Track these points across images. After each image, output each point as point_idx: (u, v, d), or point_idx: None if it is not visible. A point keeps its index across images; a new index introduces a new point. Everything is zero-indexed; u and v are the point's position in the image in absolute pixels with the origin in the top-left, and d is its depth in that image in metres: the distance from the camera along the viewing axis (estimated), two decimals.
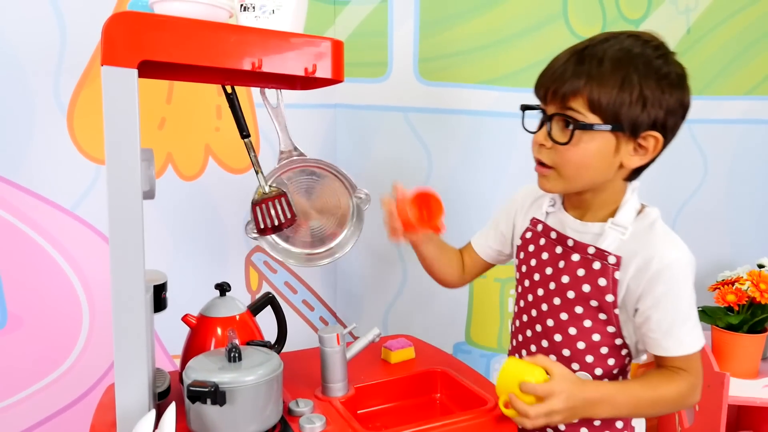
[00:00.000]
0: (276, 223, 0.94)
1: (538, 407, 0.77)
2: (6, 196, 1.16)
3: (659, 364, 0.85)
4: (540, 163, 0.85)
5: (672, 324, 0.81)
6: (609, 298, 0.83)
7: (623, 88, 0.78)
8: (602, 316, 0.85)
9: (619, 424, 0.89)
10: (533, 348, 0.91)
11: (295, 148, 0.97)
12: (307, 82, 0.94)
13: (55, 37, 1.15)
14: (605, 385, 0.83)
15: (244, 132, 0.92)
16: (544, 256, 0.91)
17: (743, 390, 1.33)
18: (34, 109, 1.16)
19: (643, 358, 0.92)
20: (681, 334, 0.82)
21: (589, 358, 0.86)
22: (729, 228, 1.62)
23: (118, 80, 0.69)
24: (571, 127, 0.79)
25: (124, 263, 0.71)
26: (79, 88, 1.19)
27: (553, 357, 0.88)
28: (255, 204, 0.93)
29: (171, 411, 0.72)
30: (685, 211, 1.59)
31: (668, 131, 0.82)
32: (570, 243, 0.88)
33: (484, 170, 1.43)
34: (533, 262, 0.92)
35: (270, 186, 0.95)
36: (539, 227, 0.93)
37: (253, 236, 0.96)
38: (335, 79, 0.84)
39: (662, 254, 0.80)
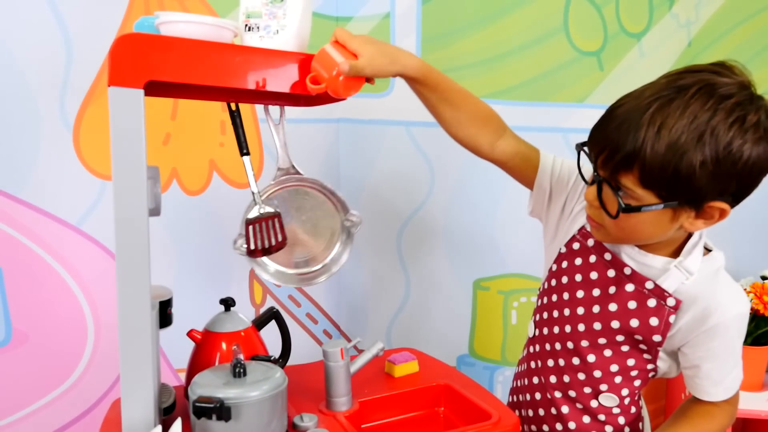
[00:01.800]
0: (267, 245, 0.92)
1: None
2: (12, 212, 1.17)
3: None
4: (589, 216, 0.81)
5: (723, 375, 0.82)
6: (656, 338, 0.81)
7: (682, 165, 0.68)
8: (642, 347, 0.84)
9: (621, 420, 0.89)
10: (561, 362, 0.90)
11: (293, 167, 0.97)
12: (310, 99, 0.95)
13: (62, 55, 1.17)
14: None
15: (243, 150, 0.92)
16: (593, 275, 0.86)
17: (748, 403, 1.33)
18: (40, 125, 1.17)
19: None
20: (728, 382, 0.82)
21: (618, 379, 0.87)
22: (731, 240, 1.62)
23: (125, 101, 0.70)
24: (620, 199, 0.72)
25: (130, 280, 0.71)
26: (84, 104, 1.21)
27: (582, 375, 0.88)
28: (249, 223, 0.92)
29: (177, 426, 0.73)
30: None
31: (741, 196, 0.74)
32: (627, 271, 0.82)
33: (487, 184, 1.44)
34: (578, 278, 0.87)
35: (264, 206, 0.94)
36: (590, 242, 0.87)
37: (241, 253, 0.95)
38: (339, 98, 0.85)
39: (724, 309, 0.78)
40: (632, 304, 0.82)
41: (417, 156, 1.44)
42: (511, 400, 1.03)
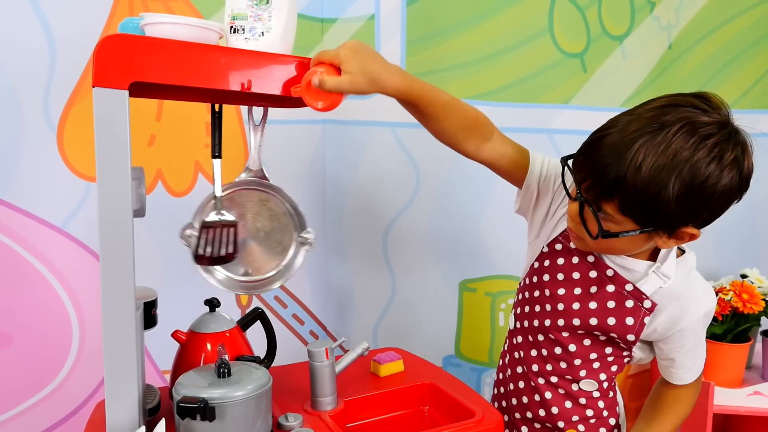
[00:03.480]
0: (216, 254, 0.87)
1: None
2: None
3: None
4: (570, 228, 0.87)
5: (693, 362, 0.91)
6: (630, 337, 0.87)
7: (658, 199, 0.73)
8: (618, 342, 0.90)
9: (612, 421, 0.96)
10: (544, 352, 0.94)
11: (261, 170, 0.95)
12: (295, 101, 0.96)
13: (45, 56, 1.16)
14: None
15: (216, 152, 0.91)
16: (575, 275, 0.90)
17: (728, 399, 1.35)
18: (24, 127, 1.17)
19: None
20: (697, 366, 0.92)
21: (596, 365, 0.92)
22: (712, 239, 1.65)
23: (109, 101, 0.70)
24: (600, 223, 0.77)
25: (114, 282, 0.72)
26: (69, 105, 1.20)
27: (563, 364, 0.92)
28: (204, 225, 0.88)
29: (161, 427, 0.73)
30: None
31: (709, 222, 0.78)
32: (610, 273, 0.87)
33: (473, 184, 1.45)
34: (560, 276, 0.91)
35: (224, 212, 0.91)
36: (573, 244, 0.90)
37: (185, 244, 0.92)
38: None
39: (697, 309, 0.86)
40: (611, 304, 0.87)
41: (403, 157, 1.45)
42: (495, 392, 1.06)
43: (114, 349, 0.72)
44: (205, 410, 0.74)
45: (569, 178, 0.82)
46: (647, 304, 0.85)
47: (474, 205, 1.47)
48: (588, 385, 0.93)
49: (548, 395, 0.95)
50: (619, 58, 1.51)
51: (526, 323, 0.97)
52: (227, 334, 0.94)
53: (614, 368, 0.93)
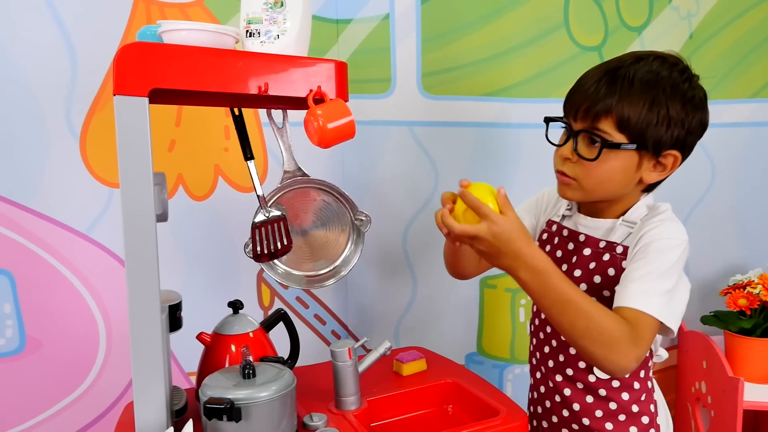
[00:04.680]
0: (272, 249, 0.93)
1: (468, 226, 0.80)
2: (22, 221, 1.19)
3: None
4: (562, 173, 0.89)
5: (635, 278, 0.81)
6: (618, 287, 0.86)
7: (651, 109, 0.83)
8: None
9: (645, 420, 0.91)
10: (554, 343, 0.95)
11: (299, 168, 0.98)
12: None
13: (67, 65, 1.19)
14: (548, 260, 0.80)
15: (248, 154, 0.93)
16: (558, 254, 0.95)
17: (758, 394, 1.32)
18: (47, 135, 1.19)
19: (663, 356, 0.96)
20: (637, 289, 0.81)
21: None
22: (739, 231, 1.62)
23: (130, 109, 0.71)
24: (598, 144, 0.84)
25: (140, 286, 0.73)
26: (90, 113, 1.22)
27: (573, 350, 0.92)
28: (255, 227, 0.93)
29: (188, 428, 0.74)
30: (694, 216, 1.59)
31: (687, 149, 0.87)
32: (581, 238, 0.93)
33: (490, 181, 1.43)
34: None
35: (270, 209, 0.94)
36: (554, 227, 0.98)
37: (251, 257, 0.96)
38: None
39: (656, 228, 0.85)
40: (592, 264, 0.90)
41: (421, 156, 1.45)
42: (529, 396, 1.05)
43: (141, 352, 0.74)
44: (232, 411, 0.75)
45: (553, 134, 0.90)
46: (619, 249, 0.88)
47: None
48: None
49: (567, 392, 0.94)
50: (638, 49, 1.48)
51: (537, 321, 0.99)
52: (251, 336, 0.95)
53: None
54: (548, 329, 0.97)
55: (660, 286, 0.81)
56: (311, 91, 0.81)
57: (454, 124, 1.43)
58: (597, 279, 0.89)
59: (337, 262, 1.03)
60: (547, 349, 0.97)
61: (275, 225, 0.93)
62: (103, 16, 1.20)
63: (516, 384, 1.51)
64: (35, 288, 1.22)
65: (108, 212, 1.25)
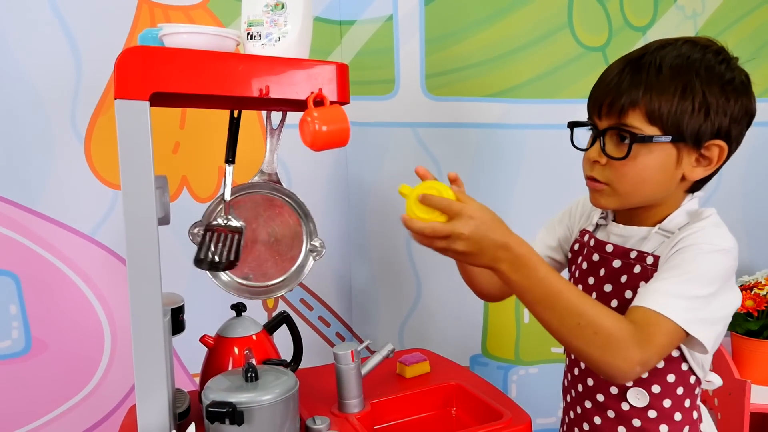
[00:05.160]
0: (217, 259, 0.85)
1: (441, 225, 0.68)
2: (27, 223, 1.20)
3: None
4: (593, 180, 0.80)
5: (659, 279, 0.72)
6: None
7: (684, 96, 0.73)
8: None
9: (664, 429, 0.80)
10: (583, 365, 0.86)
11: (276, 174, 0.96)
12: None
13: (71, 67, 1.19)
14: (533, 251, 0.71)
15: (229, 157, 0.92)
16: (584, 266, 0.87)
17: (765, 397, 1.31)
18: (52, 138, 1.20)
19: (715, 382, 0.84)
20: (658, 288, 0.70)
21: (645, 374, 0.79)
22: (746, 232, 1.60)
23: (132, 112, 0.71)
24: (627, 141, 0.74)
25: (142, 290, 0.73)
26: (95, 116, 1.23)
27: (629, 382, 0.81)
28: (210, 228, 0.88)
29: (191, 431, 0.74)
30: None
31: (733, 140, 0.77)
32: (609, 248, 0.82)
33: (495, 182, 1.44)
34: (577, 274, 0.88)
35: (231, 217, 0.90)
36: (586, 237, 0.89)
37: (193, 241, 0.92)
38: (342, 102, 0.86)
39: (695, 234, 0.73)
40: (623, 278, 0.80)
41: (424, 156, 1.45)
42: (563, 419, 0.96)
43: (143, 356, 0.74)
44: (234, 414, 0.75)
45: (579, 140, 0.83)
46: (650, 260, 0.77)
47: (497, 204, 1.43)
48: (637, 398, 0.80)
49: (597, 421, 0.84)
50: None
51: None
52: (254, 338, 0.95)
53: (671, 378, 0.78)
54: None
55: (688, 290, 0.70)
56: (312, 93, 0.81)
57: (458, 125, 1.43)
58: (628, 294, 0.78)
59: (277, 280, 0.99)
60: (576, 371, 0.87)
61: (229, 235, 0.87)
62: (108, 19, 1.21)
63: (520, 385, 1.50)
64: (41, 290, 1.22)
65: (112, 214, 1.26)
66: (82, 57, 1.19)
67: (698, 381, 0.81)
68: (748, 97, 0.77)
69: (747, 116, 0.78)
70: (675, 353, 0.78)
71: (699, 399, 0.82)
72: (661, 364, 0.78)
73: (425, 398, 1.00)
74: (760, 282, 1.40)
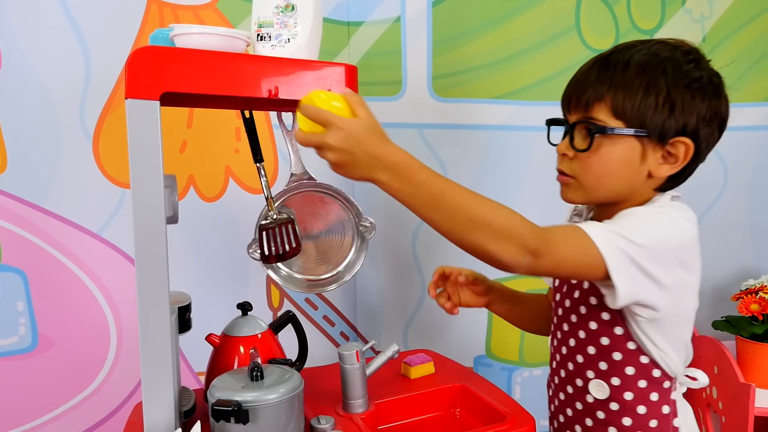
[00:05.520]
0: (281, 251, 0.92)
1: (312, 135, 0.69)
2: (35, 220, 1.20)
3: None
4: (562, 173, 0.83)
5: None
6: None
7: (648, 92, 0.75)
8: (605, 316, 0.81)
9: (627, 421, 0.81)
10: (558, 357, 0.90)
11: (306, 172, 0.98)
12: None
13: (80, 66, 1.20)
14: (409, 156, 0.71)
15: (257, 156, 0.93)
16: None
17: None
18: (61, 136, 1.20)
19: (701, 380, 0.83)
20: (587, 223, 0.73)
21: (603, 365, 0.82)
22: (752, 236, 1.60)
23: (142, 112, 0.72)
24: (593, 125, 0.77)
25: (150, 288, 0.73)
26: (104, 114, 1.23)
27: (570, 365, 0.86)
28: (262, 229, 0.93)
29: (197, 429, 0.75)
30: (706, 220, 1.57)
31: (701, 140, 0.78)
32: None
33: (501, 184, 1.44)
34: (557, 279, 0.91)
35: (278, 211, 0.94)
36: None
37: (255, 258, 0.96)
38: None
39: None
40: (585, 284, 0.83)
41: (431, 158, 1.45)
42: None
43: (150, 355, 0.74)
44: (239, 413, 0.75)
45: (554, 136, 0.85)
46: None
47: (503, 203, 1.46)
48: (598, 390, 0.83)
49: (569, 413, 0.88)
50: None
51: (554, 320, 0.92)
52: (259, 337, 0.95)
53: (629, 370, 0.80)
54: (552, 348, 0.92)
55: (618, 229, 0.72)
56: None
57: (465, 126, 1.43)
58: (585, 284, 0.83)
59: (340, 267, 1.02)
60: (554, 364, 0.91)
61: (283, 227, 0.93)
62: (117, 18, 1.21)
63: (525, 387, 1.50)
64: (48, 287, 1.23)
65: (120, 212, 1.27)
66: (92, 56, 1.20)
67: (666, 375, 0.81)
68: (718, 98, 0.78)
69: (717, 118, 0.78)
70: (631, 345, 0.80)
71: (674, 394, 0.83)
72: (618, 356, 0.81)
73: (429, 399, 1.00)
74: (766, 285, 1.40)
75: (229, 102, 0.92)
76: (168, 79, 0.73)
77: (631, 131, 0.76)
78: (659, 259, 0.73)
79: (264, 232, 0.92)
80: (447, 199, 0.69)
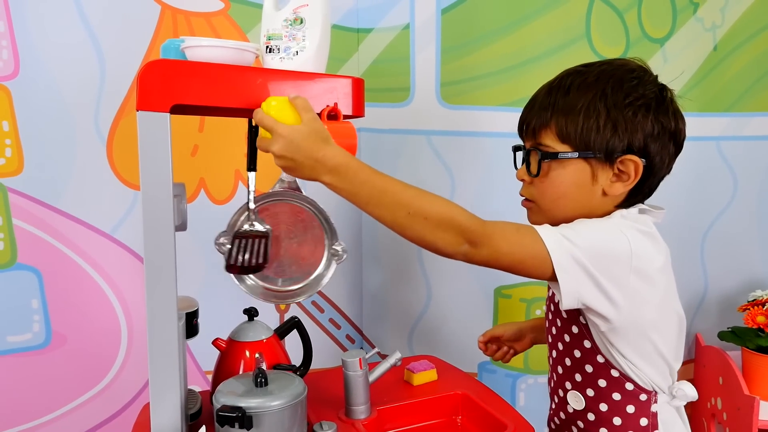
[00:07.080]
0: (247, 264, 0.88)
1: (261, 140, 0.76)
2: (50, 220, 1.23)
3: None
4: (524, 198, 0.87)
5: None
6: None
7: (589, 114, 0.77)
8: (574, 329, 0.83)
9: (644, 422, 0.82)
10: (554, 376, 0.93)
11: (294, 181, 0.98)
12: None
13: (95, 70, 1.22)
14: (350, 157, 0.75)
15: (251, 165, 0.94)
16: (550, 291, 0.94)
17: None
18: (75, 139, 1.23)
19: (689, 394, 0.82)
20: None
21: (578, 377, 0.85)
22: (760, 247, 1.59)
23: (152, 124, 0.74)
24: (542, 151, 0.81)
25: (158, 295, 0.75)
26: (117, 118, 1.26)
27: (568, 384, 0.88)
28: (236, 236, 0.90)
29: None
30: (714, 230, 1.57)
31: (653, 155, 0.79)
32: None
33: (508, 192, 1.44)
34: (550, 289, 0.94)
35: (256, 222, 0.92)
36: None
37: (219, 251, 0.95)
38: (356, 115, 0.88)
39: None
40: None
41: (438, 164, 1.46)
42: None
43: (158, 359, 0.76)
44: (243, 419, 0.77)
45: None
46: None
47: (509, 212, 1.45)
48: (575, 400, 0.85)
49: (557, 421, 0.92)
50: (660, 61, 1.47)
51: (549, 338, 0.94)
52: (264, 342, 0.97)
53: (602, 383, 0.81)
54: (550, 360, 0.94)
55: (564, 232, 0.75)
56: (327, 106, 0.83)
57: (472, 133, 1.44)
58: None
59: (305, 282, 1.01)
60: (549, 372, 0.96)
61: (256, 240, 0.90)
62: (131, 24, 1.24)
63: (529, 394, 1.51)
64: (62, 285, 1.26)
65: (132, 213, 1.29)
66: (106, 62, 1.22)
67: (641, 388, 0.81)
68: (666, 114, 0.79)
69: (667, 133, 0.79)
70: (600, 359, 0.81)
71: (655, 406, 0.82)
72: (589, 369, 0.83)
73: (431, 406, 1.01)
74: None
75: (238, 112, 0.94)
76: (178, 91, 0.74)
77: (576, 154, 0.78)
78: (604, 265, 0.74)
79: (237, 240, 0.90)
80: (387, 196, 0.74)
